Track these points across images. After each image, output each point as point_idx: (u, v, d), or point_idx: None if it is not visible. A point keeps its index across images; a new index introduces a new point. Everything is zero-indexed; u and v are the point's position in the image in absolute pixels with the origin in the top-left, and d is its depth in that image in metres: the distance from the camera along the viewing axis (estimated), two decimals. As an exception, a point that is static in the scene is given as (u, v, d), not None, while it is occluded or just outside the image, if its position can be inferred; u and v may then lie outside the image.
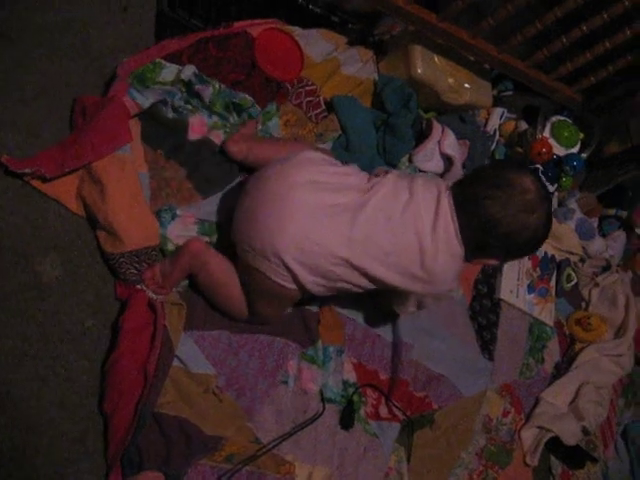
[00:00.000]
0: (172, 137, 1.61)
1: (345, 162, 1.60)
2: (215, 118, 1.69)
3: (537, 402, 2.18)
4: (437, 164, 2.04)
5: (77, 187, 1.48)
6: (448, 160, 2.03)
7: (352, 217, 1.40)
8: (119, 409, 1.33)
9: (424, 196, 1.45)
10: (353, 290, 1.50)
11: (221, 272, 1.50)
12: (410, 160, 2.02)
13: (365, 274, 1.43)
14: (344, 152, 1.90)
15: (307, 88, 1.92)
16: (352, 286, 1.47)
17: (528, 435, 2.09)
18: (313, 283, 1.43)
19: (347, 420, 1.65)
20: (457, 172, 2.03)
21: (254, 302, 1.51)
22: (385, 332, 1.83)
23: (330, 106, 1.94)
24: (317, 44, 1.96)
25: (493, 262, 1.56)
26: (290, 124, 1.87)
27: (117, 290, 1.47)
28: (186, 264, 1.48)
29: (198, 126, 1.65)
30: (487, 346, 2.07)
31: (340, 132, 1.93)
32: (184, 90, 1.66)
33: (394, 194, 1.45)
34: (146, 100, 1.57)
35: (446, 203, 1.43)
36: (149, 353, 1.37)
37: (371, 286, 1.48)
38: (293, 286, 1.43)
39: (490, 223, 1.40)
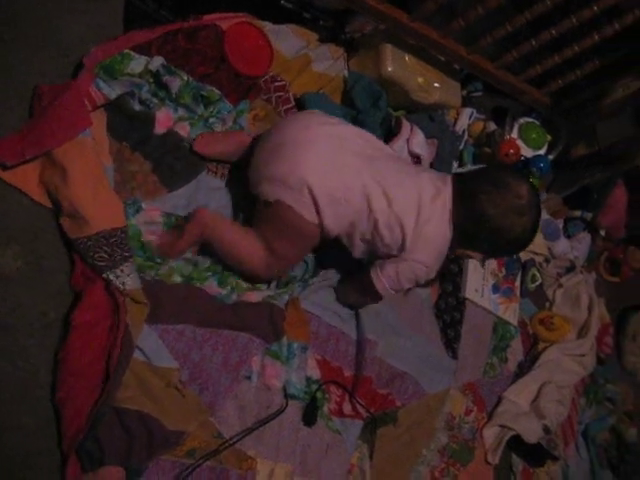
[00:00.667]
0: (138, 130, 1.59)
1: None
2: (182, 111, 1.68)
3: (499, 401, 2.20)
4: (405, 163, 2.05)
5: (39, 174, 1.45)
6: (416, 159, 2.04)
7: (368, 159, 1.55)
8: (71, 401, 1.31)
9: (431, 175, 1.62)
10: (355, 238, 1.60)
11: (235, 232, 1.58)
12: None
13: (370, 208, 1.53)
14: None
15: (276, 84, 1.91)
16: (358, 230, 1.57)
17: (490, 433, 2.11)
18: (331, 214, 1.52)
19: (310, 417, 1.65)
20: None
21: (275, 243, 1.56)
22: (350, 329, 1.83)
23: (300, 103, 1.94)
24: (288, 40, 1.95)
25: (476, 255, 1.69)
26: (259, 119, 1.87)
27: (72, 280, 1.44)
28: (197, 232, 1.54)
29: (164, 120, 1.64)
30: (451, 344, 2.09)
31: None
32: (152, 82, 1.64)
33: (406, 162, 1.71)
34: (113, 91, 1.55)
35: (449, 189, 1.57)
36: (107, 347, 1.36)
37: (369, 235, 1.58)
38: (314, 220, 1.52)
39: (482, 217, 1.55)
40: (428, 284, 2.02)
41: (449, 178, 1.61)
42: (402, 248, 1.58)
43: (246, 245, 1.57)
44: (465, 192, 1.57)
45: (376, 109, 1.98)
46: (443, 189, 1.57)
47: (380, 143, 1.68)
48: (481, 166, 2.22)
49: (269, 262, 1.59)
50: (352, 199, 1.52)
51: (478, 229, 1.58)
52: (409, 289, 1.84)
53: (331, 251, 1.74)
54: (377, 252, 1.63)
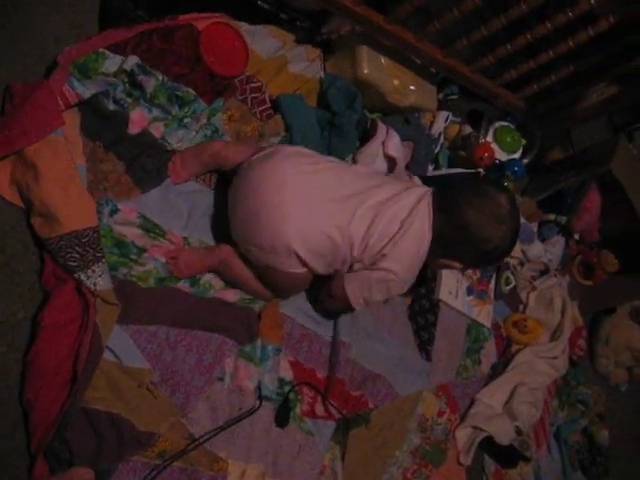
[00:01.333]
0: (112, 130, 1.58)
1: None
2: (156, 111, 1.67)
3: (472, 402, 2.22)
4: (380, 165, 2.05)
5: (10, 173, 1.44)
6: (391, 161, 2.05)
7: (343, 200, 1.57)
8: (39, 403, 1.30)
9: (412, 192, 1.63)
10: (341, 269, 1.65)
11: (243, 272, 1.65)
12: (354, 160, 2.02)
13: (352, 248, 1.58)
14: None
15: (252, 84, 1.91)
16: (347, 262, 1.63)
17: (462, 435, 2.13)
18: (318, 264, 1.60)
19: (282, 418, 1.65)
20: (400, 174, 2.05)
21: (274, 291, 1.69)
22: (323, 331, 1.84)
23: (276, 104, 1.94)
24: (264, 41, 1.95)
25: (456, 265, 1.70)
26: (234, 119, 1.86)
27: (43, 280, 1.43)
28: (212, 265, 1.64)
29: (139, 120, 1.63)
30: (425, 346, 2.10)
31: (283, 134, 1.92)
32: (126, 81, 1.63)
33: (382, 181, 1.68)
34: (87, 90, 1.53)
35: (426, 202, 1.60)
36: (76, 348, 1.35)
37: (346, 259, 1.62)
38: (303, 269, 1.60)
39: (463, 224, 1.58)
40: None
41: (428, 190, 1.64)
42: (380, 259, 1.61)
43: (253, 285, 1.67)
44: (446, 201, 1.61)
45: (352, 111, 1.98)
46: (422, 201, 1.60)
47: (352, 172, 1.68)
48: (457, 170, 2.23)
49: (274, 296, 1.73)
50: (335, 248, 1.58)
51: (459, 237, 1.61)
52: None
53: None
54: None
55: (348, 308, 1.74)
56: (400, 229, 1.57)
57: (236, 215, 1.61)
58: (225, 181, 1.71)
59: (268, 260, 1.57)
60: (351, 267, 1.65)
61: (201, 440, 1.49)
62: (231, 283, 1.69)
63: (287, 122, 1.92)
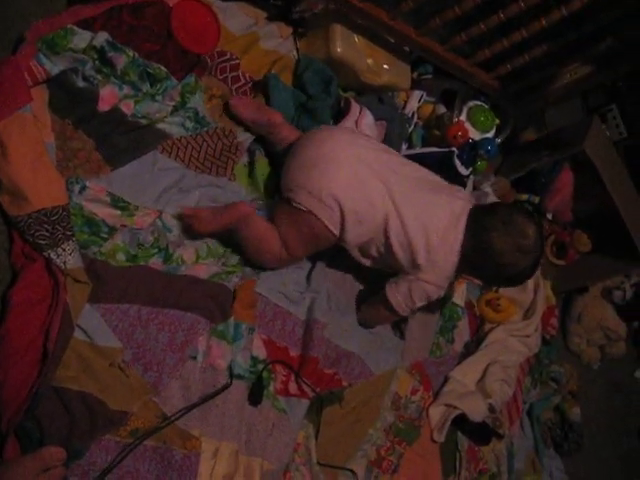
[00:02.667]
0: (81, 107, 1.56)
1: None
2: (127, 88, 1.65)
3: (446, 380, 2.24)
4: (354, 144, 2.05)
5: (-23, 152, 1.42)
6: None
7: (391, 183, 1.68)
8: (10, 382, 1.29)
9: (452, 200, 1.74)
10: (371, 253, 1.78)
11: (263, 229, 1.70)
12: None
13: (387, 234, 1.70)
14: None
15: (232, 62, 1.90)
16: (374, 247, 1.75)
17: (436, 412, 2.14)
18: (352, 227, 1.68)
19: (256, 396, 1.65)
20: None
21: (292, 242, 1.72)
22: (297, 310, 1.83)
23: (255, 85, 1.94)
24: (236, 17, 1.94)
25: (477, 282, 1.98)
26: (215, 97, 1.86)
27: (12, 258, 1.41)
28: (229, 222, 1.66)
29: (109, 97, 1.61)
30: (398, 325, 2.11)
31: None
32: (96, 58, 1.61)
33: (431, 183, 1.80)
34: (55, 67, 1.51)
35: (463, 221, 1.72)
36: (46, 327, 1.34)
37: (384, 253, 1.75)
38: (336, 233, 1.69)
39: (489, 251, 1.70)
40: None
41: (467, 207, 1.75)
42: (414, 267, 1.74)
43: (267, 240, 1.71)
44: (477, 226, 1.71)
45: (327, 95, 1.98)
46: (459, 222, 1.72)
47: (407, 165, 1.81)
48: (431, 149, 2.23)
49: (282, 256, 1.74)
50: (373, 219, 1.68)
51: (483, 262, 1.73)
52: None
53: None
54: (391, 267, 1.81)
55: (391, 318, 1.95)
56: (430, 241, 1.70)
57: (295, 160, 1.70)
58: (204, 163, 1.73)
59: (312, 205, 1.64)
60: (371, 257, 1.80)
61: (173, 418, 1.49)
62: (243, 242, 1.72)
63: (270, 102, 1.92)
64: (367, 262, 1.84)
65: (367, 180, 1.67)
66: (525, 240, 1.69)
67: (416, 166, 1.84)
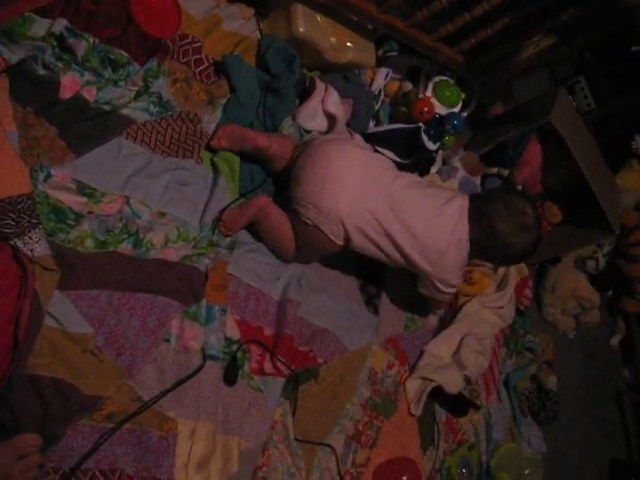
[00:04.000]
0: (42, 95, 1.55)
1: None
2: (89, 75, 1.64)
3: (421, 354, 2.26)
4: (320, 123, 2.06)
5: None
6: (331, 118, 2.05)
7: (395, 195, 1.81)
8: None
9: (454, 205, 1.86)
10: (386, 259, 1.89)
11: (279, 222, 1.84)
12: (294, 119, 2.02)
13: (396, 246, 1.83)
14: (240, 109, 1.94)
15: (194, 45, 1.90)
16: (383, 253, 1.86)
17: (412, 386, 2.17)
18: (358, 241, 1.81)
19: (231, 376, 1.67)
20: (341, 131, 2.05)
21: (302, 248, 1.88)
22: (270, 290, 1.86)
23: (218, 68, 1.94)
24: (197, 0, 1.93)
25: (489, 264, 2.14)
26: (179, 81, 1.86)
27: None
28: (252, 214, 1.81)
29: (70, 84, 1.60)
30: (372, 300, 2.13)
31: (229, 95, 1.93)
32: (55, 45, 1.60)
33: (432, 190, 1.93)
34: (14, 55, 1.50)
35: (466, 214, 1.86)
36: (16, 316, 1.34)
37: (396, 258, 1.87)
38: (341, 242, 1.82)
39: (496, 234, 1.85)
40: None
41: (466, 201, 1.88)
42: (431, 269, 1.89)
43: (284, 237, 1.86)
44: (480, 213, 1.86)
45: (290, 72, 1.97)
46: (462, 213, 1.85)
47: (404, 176, 1.92)
48: (398, 126, 2.24)
49: (295, 255, 1.91)
50: (378, 233, 1.81)
51: (492, 244, 1.88)
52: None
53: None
54: (412, 267, 1.92)
55: (442, 303, 2.24)
56: (439, 243, 1.84)
57: (304, 176, 1.80)
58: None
59: (318, 221, 1.77)
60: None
61: (150, 402, 1.50)
62: (264, 234, 1.88)
63: (232, 83, 1.93)
64: (396, 264, 1.94)
65: (372, 198, 1.79)
66: (525, 218, 1.85)
67: (412, 175, 2.06)
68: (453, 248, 1.85)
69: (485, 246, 1.88)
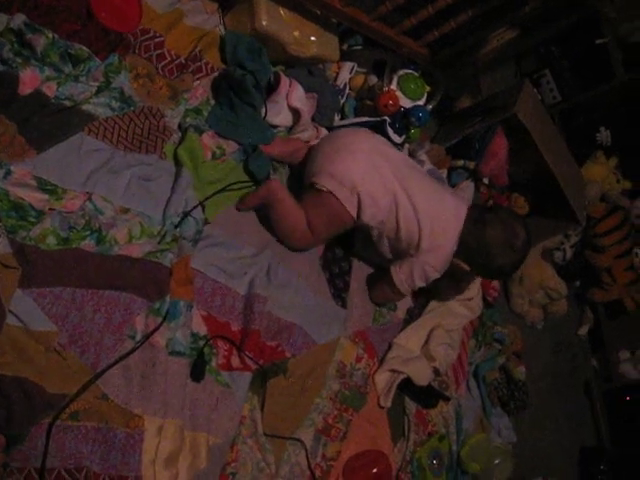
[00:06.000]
0: (1, 91, 1.51)
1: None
2: (49, 70, 1.62)
3: (390, 347, 2.27)
4: (285, 118, 2.06)
5: None
6: (296, 113, 2.05)
7: (404, 175, 1.95)
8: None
9: (454, 196, 2.05)
10: (382, 235, 2.01)
11: (291, 206, 1.91)
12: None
13: (397, 218, 1.93)
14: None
15: (156, 40, 1.89)
16: (385, 228, 1.97)
17: (381, 378, 2.17)
18: (368, 213, 1.91)
19: (198, 372, 1.66)
20: (306, 125, 2.05)
21: (315, 221, 1.93)
22: (236, 285, 1.84)
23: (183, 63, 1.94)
24: (159, -5, 1.92)
25: (466, 267, 2.12)
26: (141, 76, 1.83)
27: None
28: (264, 195, 1.90)
29: (30, 80, 1.57)
30: (340, 294, 2.13)
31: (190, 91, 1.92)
32: (14, 40, 1.58)
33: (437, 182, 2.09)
34: (-30, 51, 1.49)
35: (464, 214, 1.99)
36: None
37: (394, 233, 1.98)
38: (353, 214, 1.92)
39: (484, 240, 1.96)
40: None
41: (467, 203, 2.04)
42: (417, 249, 1.97)
43: (294, 217, 1.92)
44: (478, 217, 1.98)
45: (263, 67, 1.96)
46: (461, 211, 1.99)
47: (416, 166, 2.11)
48: (363, 119, 2.25)
49: (306, 236, 1.96)
50: (386, 202, 1.91)
51: (478, 250, 1.98)
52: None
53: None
54: (398, 249, 2.03)
55: (396, 297, 2.23)
56: (435, 227, 1.94)
57: (319, 151, 1.95)
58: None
59: (333, 187, 1.87)
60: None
61: (114, 398, 1.49)
62: (274, 219, 1.94)
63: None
64: (383, 246, 2.05)
65: (383, 169, 1.91)
66: (516, 240, 1.96)
67: (422, 168, 2.20)
68: (446, 235, 1.96)
69: (470, 248, 1.98)
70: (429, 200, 1.95)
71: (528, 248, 2.02)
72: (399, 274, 2.07)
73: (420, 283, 2.07)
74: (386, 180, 1.91)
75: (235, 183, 1.94)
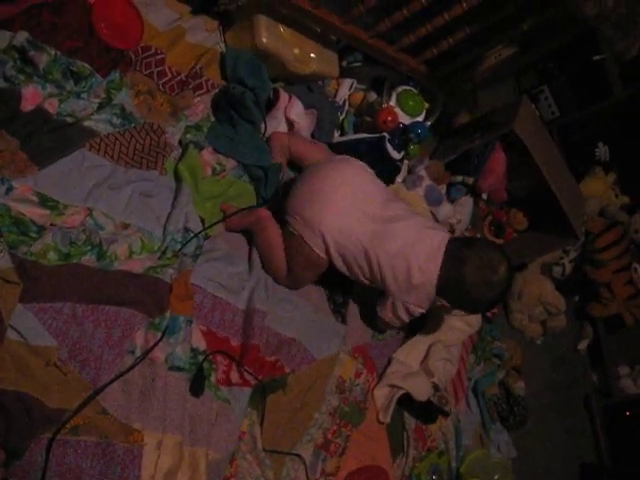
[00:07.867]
0: (3, 107, 1.54)
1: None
2: (51, 87, 1.64)
3: (389, 362, 2.27)
4: (283, 130, 2.07)
5: None
6: (292, 127, 2.07)
7: (379, 220, 1.89)
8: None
9: (433, 239, 1.91)
10: (358, 275, 1.95)
11: (274, 237, 1.92)
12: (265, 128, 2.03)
13: (370, 263, 1.88)
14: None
15: (157, 57, 1.91)
16: (359, 271, 1.92)
17: (380, 394, 2.18)
18: (337, 258, 1.89)
19: (197, 387, 1.66)
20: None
21: (292, 263, 1.92)
22: (236, 300, 1.85)
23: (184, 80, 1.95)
24: (160, 11, 1.94)
25: (445, 304, 1.98)
26: (142, 93, 1.86)
27: None
28: (250, 222, 1.93)
29: (32, 97, 1.59)
30: (339, 310, 2.14)
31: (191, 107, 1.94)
32: (17, 58, 1.60)
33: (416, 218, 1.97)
34: (-27, 68, 1.50)
35: (442, 252, 1.88)
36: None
37: (369, 276, 1.94)
38: (323, 256, 1.88)
39: (460, 279, 1.86)
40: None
41: (446, 239, 1.92)
42: (397, 289, 1.93)
43: (277, 256, 1.92)
44: (455, 254, 1.88)
45: (262, 82, 1.98)
46: (439, 250, 1.88)
47: (397, 201, 2.02)
48: (362, 135, 2.27)
49: (287, 277, 1.96)
50: (354, 250, 1.87)
51: (456, 289, 1.90)
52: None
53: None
54: (380, 287, 1.98)
55: (393, 326, 2.16)
56: (411, 269, 1.87)
57: (299, 190, 1.90)
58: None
59: (303, 232, 1.85)
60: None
61: (113, 413, 1.50)
62: (258, 248, 1.95)
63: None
64: (365, 282, 1.98)
65: (355, 218, 1.86)
66: (494, 276, 1.85)
67: (403, 203, 2.07)
68: (425, 274, 1.88)
69: (447, 285, 1.90)
70: (406, 242, 1.87)
71: (508, 281, 1.93)
72: (386, 313, 2.05)
73: (407, 319, 2.04)
74: (357, 230, 1.85)
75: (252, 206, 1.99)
